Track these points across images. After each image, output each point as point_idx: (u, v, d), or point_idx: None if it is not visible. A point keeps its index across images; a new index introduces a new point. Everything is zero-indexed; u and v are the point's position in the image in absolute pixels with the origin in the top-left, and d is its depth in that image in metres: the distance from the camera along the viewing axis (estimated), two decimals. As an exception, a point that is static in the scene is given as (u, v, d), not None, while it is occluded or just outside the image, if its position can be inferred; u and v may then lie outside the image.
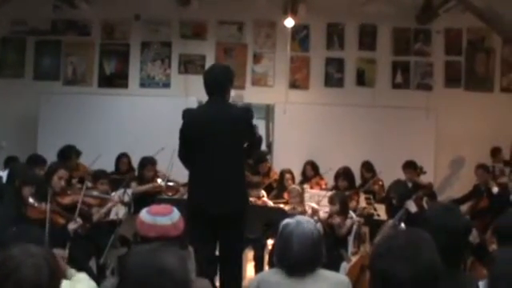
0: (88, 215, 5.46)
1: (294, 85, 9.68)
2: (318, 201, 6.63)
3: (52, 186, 5.24)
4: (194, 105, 4.69)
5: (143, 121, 9.04)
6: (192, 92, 8.83)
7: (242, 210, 4.53)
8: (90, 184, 6.28)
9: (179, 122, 4.47)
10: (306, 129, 9.27)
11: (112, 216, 5.84)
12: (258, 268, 6.06)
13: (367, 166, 8.34)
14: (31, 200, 4.98)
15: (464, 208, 7.59)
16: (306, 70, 9.74)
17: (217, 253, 4.60)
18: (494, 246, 4.10)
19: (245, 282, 4.88)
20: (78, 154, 7.67)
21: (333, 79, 9.75)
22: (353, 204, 6.85)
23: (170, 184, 6.94)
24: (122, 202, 6.10)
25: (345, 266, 5.34)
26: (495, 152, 8.84)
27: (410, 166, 7.88)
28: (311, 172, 8.28)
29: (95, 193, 5.97)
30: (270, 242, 6.20)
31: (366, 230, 6.76)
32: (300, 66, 9.72)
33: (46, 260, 1.96)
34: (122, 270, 1.92)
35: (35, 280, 1.90)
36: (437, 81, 9.75)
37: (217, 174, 4.39)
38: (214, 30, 9.68)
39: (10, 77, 9.65)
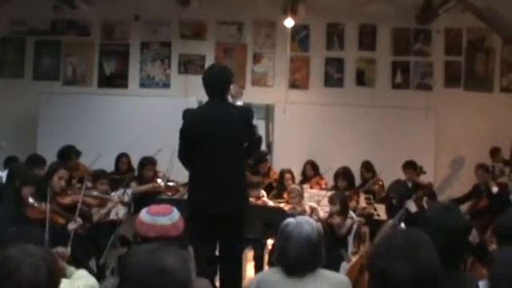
0: (88, 215, 5.46)
1: (293, 85, 9.68)
2: (317, 201, 6.64)
3: (52, 186, 5.24)
4: (193, 105, 4.69)
5: (143, 121, 9.04)
6: (192, 92, 8.82)
7: (242, 210, 4.53)
8: (89, 184, 6.28)
9: (179, 122, 4.46)
10: (305, 129, 9.27)
11: (112, 216, 5.84)
12: (258, 268, 6.06)
13: (367, 166, 8.35)
14: (31, 200, 4.98)
15: (464, 208, 7.59)
16: (305, 70, 9.74)
17: (217, 253, 4.60)
18: (493, 246, 4.10)
19: (245, 282, 4.88)
20: (77, 154, 7.66)
21: (333, 79, 9.75)
22: (352, 204, 6.85)
23: (170, 184, 6.93)
24: (122, 203, 6.10)
25: (345, 265, 5.34)
26: (494, 152, 8.84)
27: (410, 166, 7.88)
28: (311, 172, 8.29)
29: (95, 193, 5.97)
30: (269, 242, 6.20)
31: (365, 229, 6.77)
32: (300, 65, 9.72)
33: (44, 260, 1.96)
34: (123, 269, 1.92)
35: (34, 280, 1.90)
36: (437, 81, 9.75)
37: (217, 174, 4.39)
38: (214, 30, 9.68)
39: (9, 77, 9.65)
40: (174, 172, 6.62)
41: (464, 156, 9.38)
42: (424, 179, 7.81)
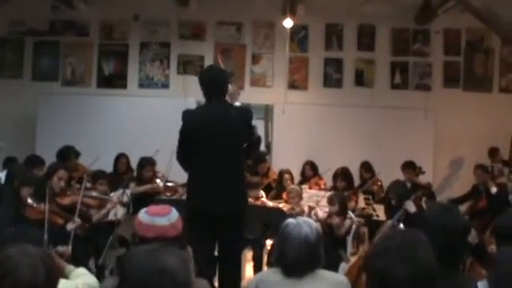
0: (87, 216, 5.47)
1: (292, 85, 9.68)
2: (316, 201, 6.63)
3: (52, 187, 5.24)
4: (192, 105, 4.70)
5: (142, 121, 9.04)
6: (191, 92, 8.81)
7: (242, 210, 4.53)
8: (88, 184, 6.28)
9: (178, 123, 4.46)
10: (304, 129, 9.27)
11: (111, 216, 5.85)
12: (257, 268, 6.06)
13: (366, 167, 8.35)
14: (30, 200, 4.99)
15: (463, 208, 7.60)
16: (304, 71, 9.74)
17: (216, 253, 4.60)
18: (492, 247, 4.10)
19: (243, 283, 4.87)
20: (77, 154, 7.65)
21: (331, 79, 9.75)
22: (351, 204, 6.86)
23: (169, 184, 6.93)
24: (121, 203, 6.11)
25: (343, 266, 5.34)
26: (493, 152, 8.84)
27: (409, 167, 7.88)
28: (310, 172, 8.29)
29: (94, 193, 5.97)
30: (268, 243, 6.20)
31: (364, 230, 6.78)
32: (299, 66, 9.73)
33: (42, 260, 1.96)
34: (123, 270, 1.92)
35: (32, 280, 1.90)
36: (435, 81, 9.75)
37: (216, 175, 4.39)
38: (213, 30, 9.68)
39: (8, 77, 9.64)
40: (172, 172, 6.62)
41: (463, 156, 9.38)
42: (423, 179, 7.82)
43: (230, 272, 4.52)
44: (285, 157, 8.93)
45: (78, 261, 4.54)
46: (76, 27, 9.70)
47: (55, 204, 5.21)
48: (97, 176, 6.50)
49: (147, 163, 7.10)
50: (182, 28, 9.69)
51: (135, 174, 7.33)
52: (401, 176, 7.60)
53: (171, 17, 9.59)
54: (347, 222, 6.05)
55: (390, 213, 5.84)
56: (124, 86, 9.69)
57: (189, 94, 8.97)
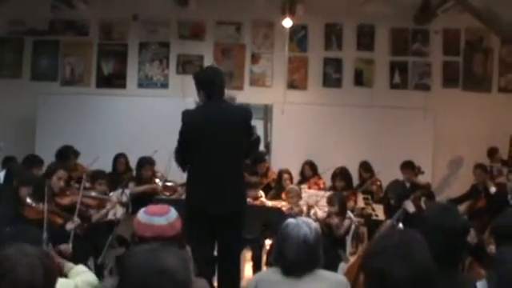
0: (86, 215, 5.47)
1: (292, 85, 9.68)
2: (315, 201, 6.63)
3: (51, 187, 5.24)
4: (191, 105, 4.68)
5: (141, 121, 9.03)
6: (190, 92, 8.63)
7: (241, 210, 4.53)
8: (87, 184, 6.27)
9: (177, 123, 4.46)
10: (304, 129, 9.27)
11: (110, 216, 5.85)
12: (256, 268, 6.06)
13: (365, 166, 8.36)
14: (29, 200, 4.99)
15: (462, 208, 7.60)
16: (304, 71, 9.74)
17: (215, 253, 4.60)
18: (491, 247, 4.10)
19: (243, 283, 4.87)
20: (76, 154, 7.65)
21: (331, 79, 9.75)
22: (350, 204, 6.87)
23: (168, 184, 6.93)
24: (121, 203, 6.10)
25: (343, 266, 5.34)
26: (492, 152, 8.84)
27: (408, 166, 7.88)
28: (309, 172, 8.29)
29: (93, 193, 5.97)
30: (267, 242, 6.21)
31: (364, 230, 6.78)
32: (298, 66, 9.72)
33: (40, 260, 1.96)
34: (122, 269, 1.92)
35: (30, 280, 1.90)
36: (435, 81, 9.75)
37: (216, 174, 4.39)
38: (212, 30, 9.68)
39: (7, 77, 9.63)
40: (172, 172, 6.61)
41: (462, 156, 9.38)
42: (422, 179, 7.81)
43: (229, 272, 4.52)
44: (284, 157, 8.93)
45: (77, 260, 4.54)
46: (75, 27, 9.69)
47: (54, 204, 5.21)
48: (96, 176, 6.50)
49: (146, 163, 7.10)
50: (181, 28, 9.68)
51: (134, 173, 7.33)
52: (400, 176, 7.60)
53: (170, 16, 9.58)
54: (346, 222, 6.05)
55: (389, 212, 5.84)
56: (123, 85, 9.69)
57: (188, 93, 8.90)
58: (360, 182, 8.14)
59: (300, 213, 6.27)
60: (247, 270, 6.34)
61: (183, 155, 4.50)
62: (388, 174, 7.44)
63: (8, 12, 9.25)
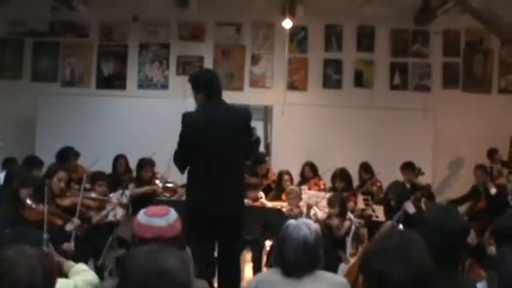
0: (87, 217, 5.46)
1: (292, 86, 9.68)
2: (316, 202, 6.63)
3: (51, 188, 5.24)
4: (191, 106, 4.68)
5: (141, 122, 9.03)
6: (190, 93, 8.74)
7: (241, 211, 4.53)
8: (87, 185, 6.27)
9: (178, 124, 4.46)
10: (304, 130, 9.27)
11: (110, 217, 5.85)
12: (256, 269, 6.06)
13: (365, 167, 8.35)
14: (29, 201, 4.98)
15: (462, 209, 7.59)
16: (304, 72, 9.74)
17: (215, 254, 4.60)
18: (492, 248, 4.10)
19: (243, 284, 4.87)
20: (76, 155, 7.64)
21: (331, 80, 9.75)
22: (350, 205, 6.87)
23: (168, 185, 6.93)
24: (121, 205, 6.10)
25: (343, 267, 5.34)
26: (492, 153, 8.84)
27: (408, 167, 7.88)
28: (310, 173, 8.28)
29: (93, 195, 5.97)
30: (267, 244, 6.20)
31: (364, 231, 6.78)
32: (298, 67, 9.72)
33: (40, 261, 1.96)
34: (123, 270, 1.92)
35: (29, 281, 1.90)
36: (435, 82, 9.75)
37: (216, 175, 4.39)
38: (213, 31, 9.68)
39: (7, 78, 9.64)
40: (172, 173, 6.60)
41: (462, 157, 9.38)
42: (422, 180, 7.81)
43: (229, 273, 4.52)
44: (284, 158, 8.93)
45: (77, 262, 4.55)
46: (75, 28, 9.69)
47: (55, 205, 5.21)
48: (96, 177, 6.50)
49: (146, 164, 7.10)
50: (181, 29, 9.69)
51: (134, 174, 7.32)
52: (400, 177, 7.59)
53: (170, 18, 9.59)
54: (346, 223, 6.06)
55: (389, 213, 5.84)
56: (123, 86, 9.69)
57: (188, 94, 8.77)
58: (360, 183, 8.13)
59: (300, 214, 6.27)
60: (247, 271, 6.34)
61: (183, 157, 4.49)
62: (388, 174, 7.43)
63: (8, 13, 9.26)
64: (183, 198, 5.30)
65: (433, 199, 7.50)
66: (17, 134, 9.15)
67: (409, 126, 9.26)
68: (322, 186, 7.89)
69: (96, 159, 7.14)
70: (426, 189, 7.29)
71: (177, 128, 4.47)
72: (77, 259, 4.52)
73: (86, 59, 9.71)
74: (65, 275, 3.12)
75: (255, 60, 9.73)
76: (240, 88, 9.57)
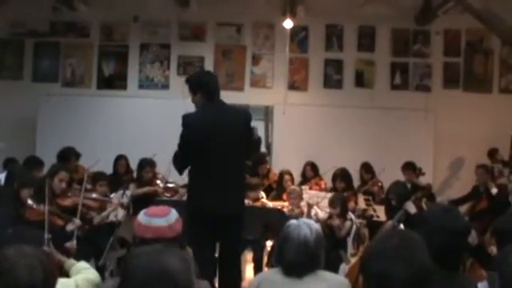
0: (88, 218, 5.46)
1: (292, 86, 9.68)
2: (316, 202, 6.62)
3: (53, 188, 5.24)
4: (192, 106, 4.67)
5: (142, 122, 9.04)
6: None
7: (242, 211, 4.54)
8: (88, 186, 6.27)
9: (178, 124, 4.46)
10: (304, 130, 9.27)
11: (111, 218, 5.84)
12: (257, 269, 6.06)
13: (366, 168, 8.34)
14: (30, 202, 4.99)
15: (463, 209, 7.59)
16: (304, 72, 9.74)
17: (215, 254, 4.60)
18: (493, 248, 4.10)
19: (244, 284, 4.87)
20: (77, 156, 7.63)
21: (332, 80, 9.75)
22: (351, 205, 6.86)
23: (169, 185, 6.93)
24: (122, 206, 6.10)
25: (344, 267, 5.34)
26: (492, 153, 8.82)
27: (409, 167, 7.88)
28: (311, 173, 8.28)
29: (94, 195, 5.97)
30: (268, 244, 6.20)
31: (365, 231, 6.77)
32: (299, 67, 9.72)
33: (40, 260, 1.95)
34: (124, 270, 1.91)
35: (29, 280, 1.90)
36: (435, 82, 9.75)
37: (217, 176, 4.39)
38: (213, 31, 9.68)
39: (8, 78, 9.65)
40: (173, 173, 6.59)
41: (463, 157, 9.38)
42: (423, 180, 7.82)
43: (230, 273, 4.52)
44: (285, 158, 8.93)
45: (78, 261, 4.56)
46: (76, 28, 9.70)
47: (56, 205, 5.21)
48: (97, 177, 6.50)
49: (147, 164, 7.09)
50: (181, 29, 9.69)
51: (135, 175, 7.32)
52: (401, 177, 7.59)
53: (171, 18, 9.59)
54: (347, 224, 6.05)
55: (390, 213, 5.83)
56: (124, 87, 9.69)
57: (189, 95, 8.93)
58: (361, 183, 8.13)
59: (301, 214, 6.27)
60: (248, 271, 6.34)
61: (183, 159, 4.49)
62: (389, 175, 7.43)
63: (9, 14, 9.27)
64: (184, 198, 5.30)
65: (434, 199, 7.50)
66: (17, 134, 9.16)
67: (409, 125, 9.26)
68: (322, 186, 7.89)
69: (97, 160, 7.12)
70: (427, 189, 7.29)
71: (178, 128, 4.47)
72: (78, 259, 4.54)
73: (86, 59, 9.72)
74: (66, 274, 3.12)
75: (256, 60, 9.73)
76: (241, 88, 9.58)
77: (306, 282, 2.98)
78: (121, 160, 8.05)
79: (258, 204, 6.53)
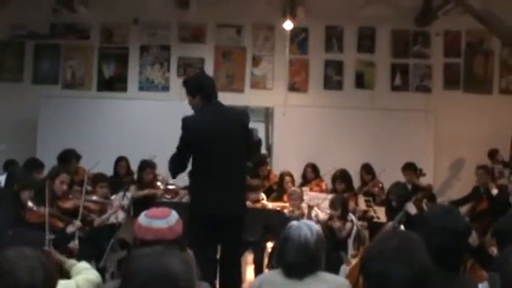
0: (88, 220, 5.46)
1: (293, 87, 9.68)
2: (317, 203, 6.62)
3: (54, 190, 5.24)
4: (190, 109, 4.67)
5: (142, 124, 9.03)
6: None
7: (243, 213, 4.54)
8: (89, 188, 6.27)
9: (178, 126, 4.45)
10: (305, 131, 9.27)
11: (111, 219, 5.84)
12: (258, 271, 6.06)
13: (367, 169, 8.34)
14: (30, 204, 4.99)
15: (463, 210, 7.58)
16: (304, 73, 9.74)
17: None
18: (493, 248, 4.10)
19: (244, 285, 4.87)
20: (78, 157, 7.63)
21: (332, 82, 9.75)
22: (351, 206, 6.85)
23: (170, 187, 6.93)
24: (123, 208, 6.10)
25: (344, 268, 5.33)
26: (493, 154, 8.82)
27: (410, 168, 7.88)
28: (311, 174, 8.29)
29: (95, 197, 5.96)
30: (269, 245, 6.20)
31: (365, 232, 6.76)
32: (299, 68, 9.73)
33: (40, 262, 1.95)
34: (125, 272, 1.91)
35: (29, 282, 1.90)
36: (436, 83, 9.75)
37: (218, 178, 4.39)
38: (213, 33, 9.68)
39: (9, 81, 9.65)
40: (173, 175, 6.60)
41: (463, 158, 9.38)
42: (423, 181, 7.81)
43: (230, 274, 4.52)
44: (285, 159, 8.93)
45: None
46: (76, 30, 9.70)
47: (56, 207, 5.21)
48: (97, 179, 6.50)
49: (147, 166, 7.09)
50: (181, 31, 9.69)
51: (136, 176, 7.32)
52: (401, 178, 7.59)
53: (171, 19, 9.59)
54: (348, 225, 6.05)
55: (390, 215, 5.83)
56: (124, 88, 9.70)
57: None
58: (361, 184, 8.13)
59: (302, 215, 6.27)
60: (249, 272, 6.34)
61: (180, 162, 4.48)
62: (389, 176, 7.43)
63: (9, 16, 9.28)
64: (184, 199, 5.30)
65: (434, 200, 7.49)
66: (18, 136, 9.16)
67: (410, 126, 9.26)
68: (323, 188, 7.90)
69: (97, 161, 7.12)
70: (428, 190, 7.29)
71: (178, 130, 4.46)
72: (79, 260, 4.55)
73: (86, 61, 9.72)
74: (66, 274, 3.11)
75: (256, 61, 9.73)
76: (241, 89, 9.58)
77: (307, 283, 2.98)
78: (121, 162, 8.05)
79: (258, 205, 6.53)
